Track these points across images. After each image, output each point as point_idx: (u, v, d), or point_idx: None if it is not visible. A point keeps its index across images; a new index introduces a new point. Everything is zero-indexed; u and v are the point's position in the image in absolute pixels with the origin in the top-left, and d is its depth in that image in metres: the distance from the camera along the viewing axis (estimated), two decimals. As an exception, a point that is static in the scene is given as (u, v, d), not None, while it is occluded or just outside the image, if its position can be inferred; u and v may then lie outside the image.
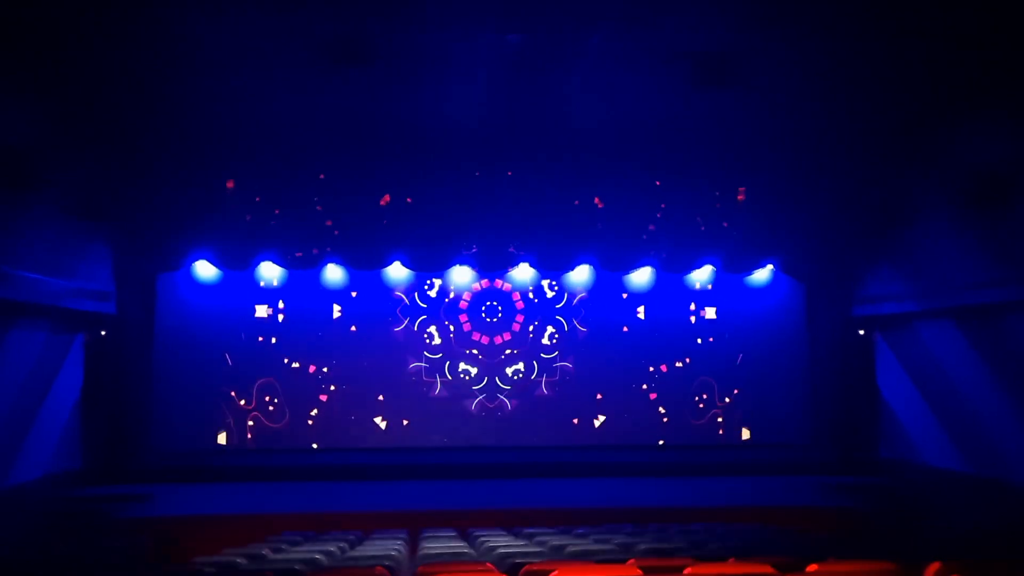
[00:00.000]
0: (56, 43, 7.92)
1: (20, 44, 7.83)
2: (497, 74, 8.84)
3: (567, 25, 7.87)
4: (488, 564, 5.41)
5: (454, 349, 12.23)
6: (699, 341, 12.44)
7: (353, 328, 12.03)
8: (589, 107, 9.77)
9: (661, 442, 12.30)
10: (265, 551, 6.69)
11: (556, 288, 12.39)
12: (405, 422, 12.05)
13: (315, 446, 11.93)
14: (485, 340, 12.25)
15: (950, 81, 8.90)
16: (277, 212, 11.30)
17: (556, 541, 6.88)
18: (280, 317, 11.97)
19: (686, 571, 4.49)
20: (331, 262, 11.78)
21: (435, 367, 12.17)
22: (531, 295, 12.34)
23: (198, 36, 7.94)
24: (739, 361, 12.39)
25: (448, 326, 12.22)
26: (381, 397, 12.04)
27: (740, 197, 11.80)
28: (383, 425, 12.03)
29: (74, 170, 9.76)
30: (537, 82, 9.00)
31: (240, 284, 11.92)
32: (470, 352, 12.23)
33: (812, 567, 4.48)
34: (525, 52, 8.29)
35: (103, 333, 11.08)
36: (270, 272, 11.93)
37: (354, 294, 12.10)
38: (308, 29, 7.79)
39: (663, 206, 11.78)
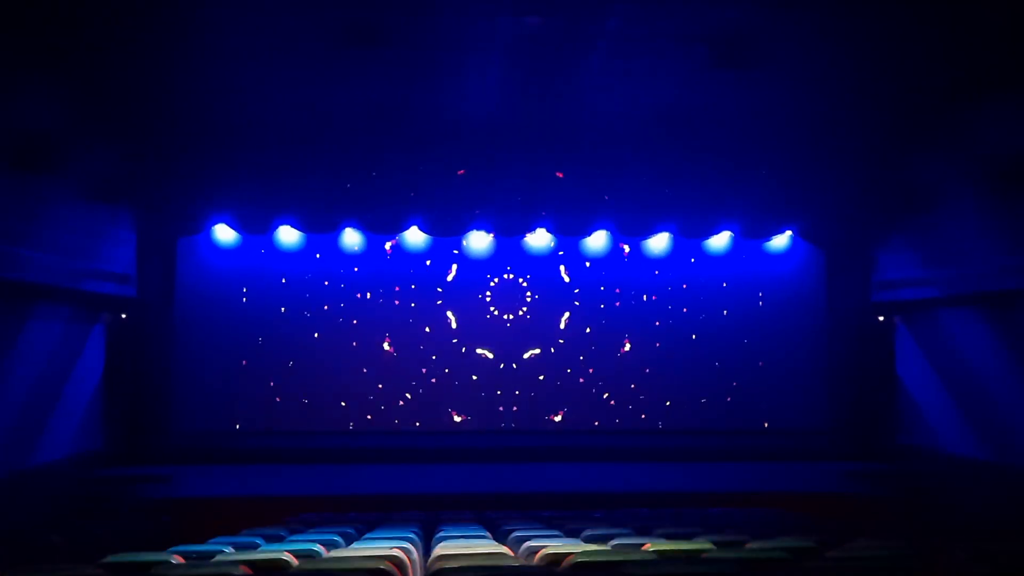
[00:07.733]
0: (73, 23, 7.94)
1: (37, 27, 7.86)
2: (514, 58, 8.78)
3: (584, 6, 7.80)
4: (506, 549, 5.43)
5: (470, 329, 12.19)
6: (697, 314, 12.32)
7: (360, 294, 12.01)
8: (608, 83, 9.66)
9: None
10: (283, 532, 6.75)
11: (571, 259, 12.24)
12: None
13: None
14: (502, 319, 12.22)
15: (977, 61, 8.74)
16: (295, 177, 11.24)
17: (573, 525, 6.90)
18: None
19: (703, 557, 4.48)
20: (349, 226, 11.74)
21: (451, 346, 12.15)
22: (547, 268, 12.23)
23: (216, 15, 7.94)
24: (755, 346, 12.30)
25: (464, 306, 12.20)
26: (412, 391, 12.06)
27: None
28: (403, 403, 12.09)
29: (94, 150, 9.80)
30: (556, 60, 8.92)
31: (260, 251, 11.88)
32: (486, 332, 12.20)
33: (829, 553, 4.46)
34: (543, 33, 8.23)
35: (124, 316, 11.16)
36: (289, 237, 11.85)
37: (358, 285, 12.09)
38: (326, 11, 7.78)
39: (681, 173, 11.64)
